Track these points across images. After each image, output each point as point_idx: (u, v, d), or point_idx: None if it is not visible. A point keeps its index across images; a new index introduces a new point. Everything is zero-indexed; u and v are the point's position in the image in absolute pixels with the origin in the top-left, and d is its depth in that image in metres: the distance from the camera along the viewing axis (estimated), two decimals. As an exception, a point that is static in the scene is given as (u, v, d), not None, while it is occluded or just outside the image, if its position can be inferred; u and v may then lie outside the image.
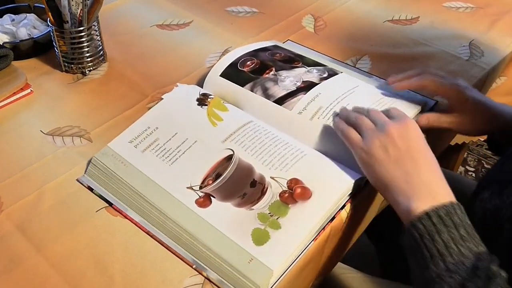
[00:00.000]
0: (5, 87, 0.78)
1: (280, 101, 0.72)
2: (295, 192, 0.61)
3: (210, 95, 0.75)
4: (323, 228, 0.60)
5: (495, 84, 1.00)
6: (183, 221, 0.60)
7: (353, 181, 0.62)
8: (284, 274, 0.56)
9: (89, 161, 0.68)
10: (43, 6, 0.82)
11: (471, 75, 0.87)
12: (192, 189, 0.62)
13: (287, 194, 0.61)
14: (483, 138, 1.14)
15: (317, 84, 0.74)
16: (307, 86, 0.74)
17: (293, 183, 0.62)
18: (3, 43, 0.84)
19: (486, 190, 0.65)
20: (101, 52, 0.88)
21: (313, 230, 0.59)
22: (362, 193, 0.65)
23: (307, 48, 0.91)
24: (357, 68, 0.87)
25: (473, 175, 1.74)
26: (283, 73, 0.76)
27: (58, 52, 0.85)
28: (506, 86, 1.01)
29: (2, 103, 0.78)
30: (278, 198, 0.61)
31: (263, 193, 0.61)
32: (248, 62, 0.79)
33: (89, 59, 0.86)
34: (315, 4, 1.07)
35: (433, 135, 0.77)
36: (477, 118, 0.72)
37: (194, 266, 0.57)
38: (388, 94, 0.74)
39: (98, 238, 0.60)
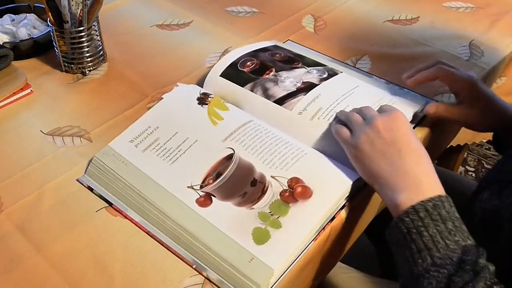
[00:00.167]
0: (5, 87, 0.78)
1: (280, 101, 0.72)
2: (295, 191, 0.61)
3: (211, 94, 0.75)
4: (323, 228, 0.60)
5: (495, 84, 1.00)
6: (184, 221, 0.60)
7: (352, 181, 0.62)
8: (285, 274, 0.56)
9: (89, 161, 0.68)
10: (43, 6, 0.82)
11: (471, 75, 0.87)
12: (193, 188, 0.62)
13: (287, 193, 0.61)
14: (484, 138, 1.15)
15: (317, 85, 0.74)
16: (307, 87, 0.74)
17: (294, 182, 0.62)
18: (3, 43, 0.84)
19: (486, 190, 0.65)
20: (101, 52, 0.88)
21: (314, 229, 0.59)
22: (361, 193, 0.65)
23: (307, 48, 0.91)
24: (357, 68, 0.87)
25: (473, 175, 1.74)
26: (283, 74, 0.76)
27: (58, 52, 0.85)
28: (506, 86, 1.01)
29: (2, 103, 0.78)
30: (278, 197, 0.61)
31: (263, 192, 0.61)
32: (248, 63, 0.79)
33: (89, 59, 0.86)
34: (315, 4, 1.07)
35: (434, 135, 0.77)
36: (486, 112, 0.73)
37: (194, 266, 0.57)
38: (388, 94, 0.74)
39: (98, 238, 0.60)
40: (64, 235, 0.60)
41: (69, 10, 0.79)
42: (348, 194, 0.62)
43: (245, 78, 0.76)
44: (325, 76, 0.76)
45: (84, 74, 0.86)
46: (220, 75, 0.77)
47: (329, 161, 0.65)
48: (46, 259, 0.58)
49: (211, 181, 0.63)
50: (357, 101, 0.71)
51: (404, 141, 0.59)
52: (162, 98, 0.75)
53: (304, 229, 0.58)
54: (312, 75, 0.77)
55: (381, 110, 0.65)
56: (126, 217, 0.62)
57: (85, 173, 0.67)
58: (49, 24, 0.82)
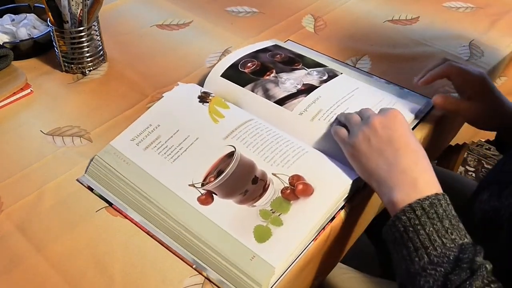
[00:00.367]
0: (5, 87, 0.78)
1: (281, 102, 0.72)
2: (297, 189, 0.61)
3: (211, 93, 0.75)
4: (323, 228, 0.60)
5: (495, 84, 1.00)
6: (185, 219, 0.60)
7: (353, 179, 0.62)
8: (285, 273, 0.56)
9: (90, 161, 0.68)
10: (43, 6, 0.82)
11: (471, 75, 0.87)
12: (194, 186, 0.62)
13: (289, 191, 0.61)
14: (483, 138, 1.15)
15: (317, 87, 0.74)
16: (308, 89, 0.74)
17: (295, 179, 0.62)
18: (3, 43, 0.84)
19: (486, 191, 0.65)
20: (101, 52, 0.88)
21: (315, 227, 0.59)
22: (361, 193, 0.65)
23: (307, 48, 0.91)
24: (357, 68, 0.87)
25: (473, 175, 1.74)
26: (284, 75, 0.77)
27: (58, 52, 0.85)
28: (506, 86, 1.01)
29: (2, 103, 0.78)
30: (280, 194, 0.61)
31: (265, 189, 0.61)
32: (249, 64, 0.79)
33: (89, 59, 0.86)
34: (315, 4, 1.07)
35: (434, 135, 0.77)
36: (492, 110, 0.73)
37: (194, 266, 0.57)
38: (387, 96, 0.74)
39: (98, 238, 0.60)
40: (64, 235, 0.60)
41: (69, 10, 0.79)
42: (348, 193, 0.62)
43: (245, 79, 0.76)
44: (325, 78, 0.77)
45: (84, 74, 0.86)
46: (221, 76, 0.77)
47: (330, 160, 0.65)
48: (46, 259, 0.58)
49: (212, 179, 0.63)
50: (357, 103, 0.71)
51: (402, 140, 0.59)
52: (163, 97, 0.75)
53: (306, 226, 0.58)
54: (312, 77, 0.77)
55: (380, 111, 0.65)
56: (126, 217, 0.62)
57: (85, 173, 0.67)
58: (49, 24, 0.82)
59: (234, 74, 0.77)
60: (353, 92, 0.74)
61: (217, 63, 0.83)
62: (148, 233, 0.60)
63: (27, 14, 0.93)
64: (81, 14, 0.81)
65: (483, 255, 0.50)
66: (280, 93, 0.74)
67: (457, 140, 1.04)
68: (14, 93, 0.79)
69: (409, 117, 0.72)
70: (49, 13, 0.81)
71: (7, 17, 0.92)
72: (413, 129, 0.73)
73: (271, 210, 0.59)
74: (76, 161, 0.69)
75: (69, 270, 0.57)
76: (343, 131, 0.64)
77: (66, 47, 0.84)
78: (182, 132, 0.69)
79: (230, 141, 0.67)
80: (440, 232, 0.51)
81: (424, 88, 0.79)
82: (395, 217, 0.54)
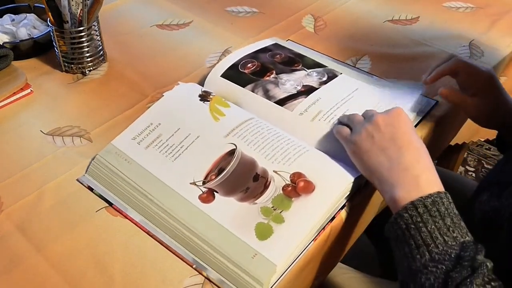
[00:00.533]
0: (5, 87, 0.78)
1: (281, 102, 0.72)
2: (298, 186, 0.61)
3: (212, 92, 0.75)
4: (323, 228, 0.60)
5: (495, 84, 1.00)
6: (187, 218, 0.60)
7: (354, 177, 0.62)
8: (286, 272, 0.56)
9: (90, 161, 0.68)
10: (43, 6, 0.82)
11: (471, 75, 0.87)
12: (195, 184, 0.63)
13: (290, 188, 0.61)
14: (482, 138, 1.15)
15: (317, 88, 0.74)
16: (307, 91, 0.74)
17: (296, 176, 0.62)
18: (3, 43, 0.84)
19: (486, 191, 0.65)
20: (101, 52, 0.88)
21: (317, 225, 0.59)
22: (362, 193, 0.65)
23: (307, 48, 0.91)
24: (357, 68, 0.87)
25: (473, 175, 1.74)
26: (284, 77, 0.77)
27: (58, 52, 0.85)
28: (506, 86, 1.00)
29: (2, 103, 0.78)
30: (281, 191, 0.61)
31: (266, 186, 0.61)
32: (249, 64, 0.79)
33: (89, 59, 0.86)
34: (315, 4, 1.07)
35: (434, 134, 0.77)
36: (496, 108, 0.73)
37: (194, 266, 0.57)
38: (387, 96, 0.74)
39: (98, 238, 0.60)
40: (64, 235, 0.60)
41: (69, 10, 0.79)
42: (349, 192, 0.62)
43: (246, 79, 0.77)
44: (324, 79, 0.77)
45: (84, 74, 0.86)
46: (221, 76, 0.77)
47: (331, 158, 0.65)
48: (46, 259, 0.58)
49: (213, 176, 0.63)
50: (356, 104, 0.71)
51: (405, 138, 0.59)
52: (163, 96, 0.75)
53: (307, 223, 0.58)
54: (312, 78, 0.77)
55: (384, 111, 0.65)
56: (126, 217, 0.62)
57: (86, 172, 0.67)
58: (49, 24, 0.82)
59: (234, 74, 0.78)
60: (353, 94, 0.74)
61: (217, 63, 0.83)
62: (148, 233, 0.60)
63: (27, 14, 0.93)
64: (81, 14, 0.81)
65: (484, 253, 0.50)
66: (280, 93, 0.74)
67: (457, 140, 1.04)
68: (14, 93, 0.79)
69: (410, 117, 0.72)
70: (49, 13, 0.81)
71: (7, 17, 0.92)
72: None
73: (273, 207, 0.59)
74: (76, 161, 0.69)
75: (69, 270, 0.57)
76: (346, 129, 0.65)
77: (66, 47, 0.84)
78: (183, 131, 0.69)
79: (231, 139, 0.67)
80: (442, 230, 0.52)
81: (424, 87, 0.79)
82: (397, 215, 0.54)
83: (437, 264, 0.50)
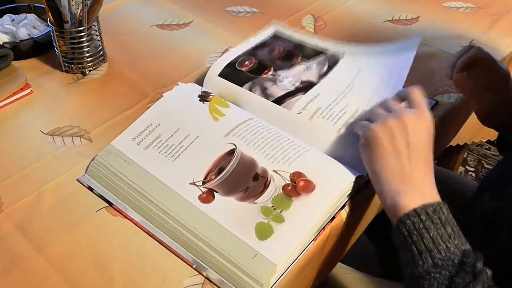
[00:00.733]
0: (5, 87, 0.78)
1: (279, 100, 0.72)
2: (298, 185, 0.61)
3: (212, 93, 0.75)
4: (323, 228, 0.60)
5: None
6: (186, 218, 0.60)
7: (354, 176, 0.62)
8: (286, 273, 0.56)
9: (90, 161, 0.68)
10: (43, 6, 0.82)
11: (471, 75, 0.87)
12: (195, 184, 0.62)
13: (290, 187, 0.61)
14: (483, 138, 1.15)
15: (315, 83, 0.74)
16: (306, 87, 0.74)
17: (296, 176, 0.62)
18: (3, 43, 0.84)
19: (486, 192, 0.65)
20: (101, 52, 0.88)
21: (317, 224, 0.59)
22: (362, 193, 0.65)
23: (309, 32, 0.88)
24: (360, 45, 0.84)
25: (473, 175, 1.74)
26: (282, 73, 0.76)
27: (58, 52, 0.85)
28: (506, 86, 1.01)
29: (2, 103, 0.78)
30: (281, 191, 0.61)
31: (266, 186, 0.61)
32: (247, 62, 0.79)
33: (89, 59, 0.86)
34: (315, 4, 1.07)
35: (435, 134, 0.77)
36: (504, 107, 0.73)
37: (194, 266, 0.57)
38: (388, 84, 0.72)
39: (98, 238, 0.60)
40: (64, 235, 0.60)
41: (69, 10, 0.79)
42: (350, 191, 0.62)
43: (243, 78, 0.76)
44: (325, 69, 0.76)
45: (84, 74, 0.86)
46: (219, 75, 0.77)
47: (331, 158, 0.65)
48: (46, 259, 0.58)
49: (213, 176, 0.63)
50: (355, 99, 0.70)
51: (422, 152, 0.58)
52: (163, 96, 0.75)
53: (307, 222, 0.58)
54: (311, 72, 0.76)
55: (410, 100, 0.62)
56: (126, 217, 0.62)
57: (86, 173, 0.67)
58: (49, 24, 0.82)
59: (231, 73, 0.77)
60: (353, 82, 0.73)
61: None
62: (148, 233, 0.60)
63: (27, 14, 0.93)
64: (81, 14, 0.81)
65: (483, 261, 0.51)
66: (278, 91, 0.73)
67: (457, 140, 1.04)
68: (14, 93, 0.79)
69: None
70: (49, 13, 0.81)
71: (7, 17, 0.92)
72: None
73: (273, 206, 0.59)
74: (76, 161, 0.69)
75: (69, 270, 0.57)
76: (364, 120, 0.62)
77: (66, 47, 0.84)
78: (182, 131, 0.69)
79: (230, 139, 0.67)
80: (444, 237, 0.52)
81: (424, 87, 0.78)
82: (399, 221, 0.54)
83: (441, 270, 0.50)
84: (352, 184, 0.62)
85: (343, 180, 0.62)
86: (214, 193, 0.62)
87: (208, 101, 0.73)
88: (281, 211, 0.59)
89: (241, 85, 0.75)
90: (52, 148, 0.72)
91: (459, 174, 1.58)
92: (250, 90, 0.74)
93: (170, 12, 1.03)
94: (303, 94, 0.72)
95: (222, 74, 0.77)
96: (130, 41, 0.95)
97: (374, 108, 0.64)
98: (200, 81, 0.81)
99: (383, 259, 0.97)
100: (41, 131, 0.75)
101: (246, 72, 0.77)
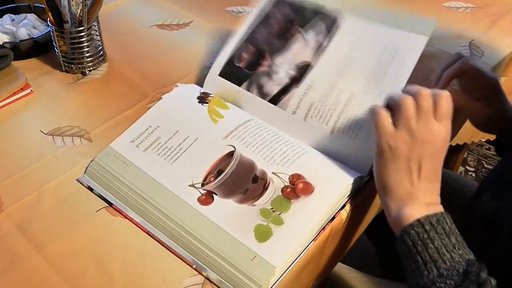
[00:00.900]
0: (5, 87, 0.78)
1: (275, 98, 0.72)
2: (297, 187, 0.61)
3: (211, 94, 0.75)
4: (323, 228, 0.60)
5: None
6: (186, 220, 0.60)
7: (353, 178, 0.62)
8: (285, 273, 0.56)
9: (90, 161, 0.68)
10: (43, 6, 0.82)
11: (471, 75, 0.87)
12: (194, 186, 0.62)
13: (289, 189, 0.61)
14: (483, 138, 1.15)
15: (310, 65, 0.72)
16: (300, 75, 0.72)
17: (295, 178, 0.62)
18: (3, 43, 0.84)
19: (486, 192, 0.65)
20: (101, 52, 0.88)
21: (316, 226, 0.59)
22: (362, 193, 0.65)
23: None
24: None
25: (473, 175, 1.74)
26: (278, 61, 0.75)
27: (58, 52, 0.85)
28: (506, 86, 1.00)
29: (2, 103, 0.78)
30: (280, 193, 0.61)
31: (265, 188, 0.61)
32: (244, 54, 0.78)
33: (89, 59, 0.86)
34: (315, 4, 1.07)
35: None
36: (498, 115, 0.72)
37: (194, 266, 0.57)
38: (391, 62, 0.71)
39: (98, 238, 0.60)
40: (64, 235, 0.60)
41: (69, 10, 0.79)
42: (349, 193, 0.62)
43: (241, 76, 0.76)
44: (321, 40, 0.73)
45: (84, 74, 0.86)
46: (219, 75, 0.77)
47: (330, 159, 0.65)
48: (46, 259, 0.58)
49: (212, 178, 0.63)
50: (352, 79, 0.69)
51: (437, 169, 0.58)
52: (162, 98, 0.75)
53: (307, 224, 0.58)
54: (308, 47, 0.74)
55: (437, 105, 0.58)
56: (126, 217, 0.62)
57: (85, 173, 0.67)
58: (49, 24, 0.82)
59: (230, 71, 0.77)
60: (348, 62, 0.71)
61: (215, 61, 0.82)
62: (148, 233, 0.60)
63: (27, 14, 0.93)
64: (81, 14, 0.81)
65: (486, 272, 0.51)
66: (273, 88, 0.73)
67: (457, 140, 1.04)
68: (14, 93, 0.79)
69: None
70: (49, 13, 0.81)
71: (7, 17, 0.92)
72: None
73: (272, 209, 0.59)
74: (76, 161, 0.69)
75: (69, 270, 0.57)
76: (385, 115, 0.58)
77: (66, 47, 0.84)
78: (181, 133, 0.69)
79: (229, 141, 0.67)
80: (449, 247, 0.52)
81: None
82: (403, 231, 0.54)
83: (446, 280, 0.50)
84: (351, 185, 0.62)
85: (342, 182, 0.62)
86: (213, 195, 0.62)
87: (207, 103, 0.73)
88: (280, 213, 0.59)
89: (239, 84, 0.75)
90: (52, 148, 0.72)
91: (459, 174, 1.58)
92: (248, 89, 0.74)
93: (170, 12, 1.03)
94: (297, 88, 0.71)
95: (222, 74, 0.77)
96: (130, 41, 0.95)
97: (402, 95, 0.58)
98: (200, 81, 0.81)
99: (383, 259, 0.97)
100: (41, 131, 0.75)
101: (243, 68, 0.77)
